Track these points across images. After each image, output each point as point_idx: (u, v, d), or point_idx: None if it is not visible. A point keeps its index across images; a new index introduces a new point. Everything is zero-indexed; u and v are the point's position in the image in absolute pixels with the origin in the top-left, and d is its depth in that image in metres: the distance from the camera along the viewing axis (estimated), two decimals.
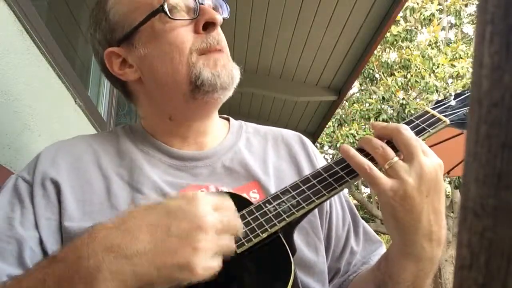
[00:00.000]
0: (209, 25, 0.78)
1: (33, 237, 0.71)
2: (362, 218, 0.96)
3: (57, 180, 0.76)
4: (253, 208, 0.66)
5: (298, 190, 0.67)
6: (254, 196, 0.79)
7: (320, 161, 0.92)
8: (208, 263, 0.52)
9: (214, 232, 0.54)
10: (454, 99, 0.78)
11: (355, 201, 10.72)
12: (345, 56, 3.64)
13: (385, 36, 6.73)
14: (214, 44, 0.78)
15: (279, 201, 0.66)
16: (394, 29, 9.32)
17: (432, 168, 0.62)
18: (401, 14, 9.35)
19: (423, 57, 9.08)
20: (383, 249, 0.90)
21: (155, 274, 0.51)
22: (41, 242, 0.71)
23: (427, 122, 0.72)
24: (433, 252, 0.64)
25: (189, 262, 0.51)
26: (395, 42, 9.58)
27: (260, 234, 0.62)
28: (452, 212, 9.02)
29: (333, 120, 9.63)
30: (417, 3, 9.76)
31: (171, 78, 0.79)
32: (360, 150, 0.67)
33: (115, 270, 0.51)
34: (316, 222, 0.82)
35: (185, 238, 0.53)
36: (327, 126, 6.23)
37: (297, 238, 0.77)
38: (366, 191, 12.86)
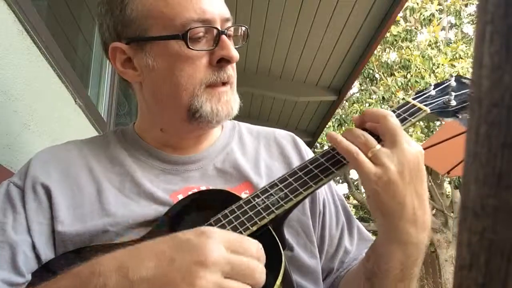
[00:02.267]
0: (223, 60, 0.77)
1: (25, 242, 0.71)
2: (362, 218, 0.96)
3: (48, 185, 0.76)
4: (242, 202, 0.67)
5: (286, 183, 0.69)
6: None
7: None
8: None
9: (219, 272, 0.52)
10: (433, 89, 0.81)
11: (355, 201, 10.72)
12: (345, 56, 3.64)
13: (385, 36, 6.73)
14: (224, 79, 0.78)
15: (267, 194, 0.68)
16: (394, 29, 9.32)
17: (414, 155, 0.63)
18: (401, 14, 9.35)
19: (423, 57, 9.07)
20: None
21: None
22: (34, 246, 0.71)
23: (408, 112, 0.74)
24: (419, 237, 0.65)
25: None
26: (395, 42, 9.57)
27: (250, 227, 0.64)
28: (452, 212, 9.01)
29: (333, 120, 9.63)
30: (417, 3, 9.76)
31: (172, 100, 0.78)
32: None
33: None
34: (307, 223, 0.82)
35: (185, 272, 0.52)
36: (327, 126, 6.23)
37: (290, 239, 0.78)
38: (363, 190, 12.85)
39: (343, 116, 10.09)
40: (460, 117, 0.75)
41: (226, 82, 0.79)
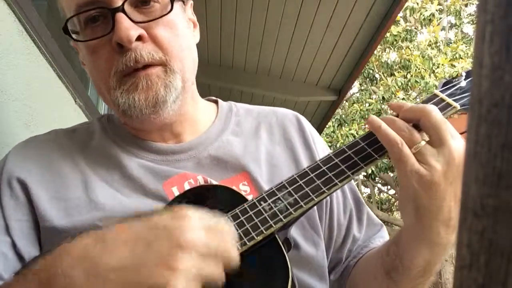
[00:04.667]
0: (118, 45, 0.67)
1: (4, 242, 0.66)
2: None
3: (24, 179, 0.70)
4: (247, 206, 0.61)
5: (295, 186, 0.61)
6: (244, 189, 0.74)
7: (319, 145, 0.85)
8: (187, 286, 0.46)
9: (197, 253, 0.48)
10: (465, 79, 0.69)
11: None
12: (345, 56, 3.64)
13: (385, 36, 6.73)
14: (130, 63, 0.67)
15: (274, 198, 0.61)
16: (394, 29, 9.32)
17: (459, 152, 0.58)
18: (401, 14, 9.35)
19: (423, 57, 9.08)
20: (384, 232, 0.86)
21: None
22: (14, 246, 0.66)
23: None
24: (449, 238, 0.61)
25: (166, 284, 0.46)
26: (395, 42, 9.58)
27: (255, 237, 0.58)
28: None
29: (333, 120, 9.63)
30: (417, 3, 9.76)
31: (103, 97, 0.74)
32: None
33: None
34: (313, 215, 0.77)
35: (163, 256, 0.47)
36: (327, 126, 6.23)
37: (294, 232, 0.73)
38: (366, 191, 12.85)
39: (343, 116, 10.09)
40: None
41: (138, 68, 0.68)
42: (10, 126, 1.16)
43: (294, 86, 4.12)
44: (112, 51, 0.68)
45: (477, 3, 0.22)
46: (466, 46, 9.48)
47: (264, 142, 0.81)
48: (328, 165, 0.62)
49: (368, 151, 0.62)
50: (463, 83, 0.69)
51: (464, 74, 0.71)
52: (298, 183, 0.62)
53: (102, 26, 0.69)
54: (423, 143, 0.58)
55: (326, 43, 3.44)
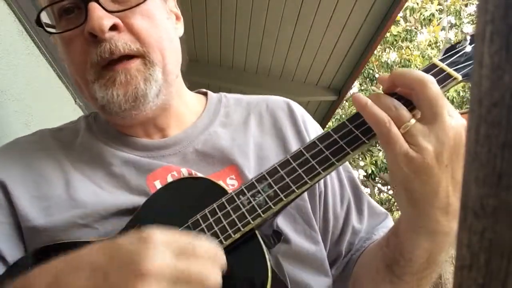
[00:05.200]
0: (91, 35, 0.64)
1: None
2: None
3: (3, 181, 0.68)
4: (225, 201, 0.56)
5: (276, 177, 0.56)
6: (231, 183, 0.70)
7: (312, 131, 0.80)
8: None
9: (164, 282, 0.43)
10: (470, 43, 0.61)
11: None
12: (345, 56, 3.64)
13: (385, 36, 6.72)
14: (105, 56, 0.64)
15: (254, 191, 0.56)
16: (394, 29, 9.32)
17: (457, 131, 0.51)
18: (401, 14, 9.34)
19: (423, 57, 9.08)
20: (389, 221, 0.80)
21: None
22: None
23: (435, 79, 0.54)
24: (450, 226, 0.54)
25: None
26: (395, 42, 9.58)
27: (232, 235, 0.54)
28: None
29: (333, 120, 9.63)
30: (417, 3, 9.76)
31: (82, 92, 0.71)
32: None
33: None
34: (305, 206, 0.72)
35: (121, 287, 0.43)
36: (327, 126, 6.22)
37: (284, 225, 0.69)
38: (366, 191, 12.84)
39: (343, 116, 10.09)
40: None
41: (115, 59, 0.65)
42: (10, 126, 1.16)
43: (294, 86, 4.12)
44: (85, 43, 0.65)
45: (477, 3, 0.22)
46: None
47: (253, 133, 0.78)
48: (312, 152, 0.56)
49: (355, 133, 0.56)
50: (468, 48, 0.61)
51: (469, 38, 0.62)
52: (279, 174, 0.56)
53: (76, 17, 0.66)
54: (412, 121, 0.52)
55: (326, 43, 3.44)
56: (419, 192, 0.52)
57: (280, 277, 0.56)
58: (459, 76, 0.57)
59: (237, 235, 0.54)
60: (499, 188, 0.20)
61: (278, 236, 0.60)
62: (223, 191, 0.59)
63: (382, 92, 0.56)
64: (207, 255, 0.47)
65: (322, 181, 0.75)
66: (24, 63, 1.25)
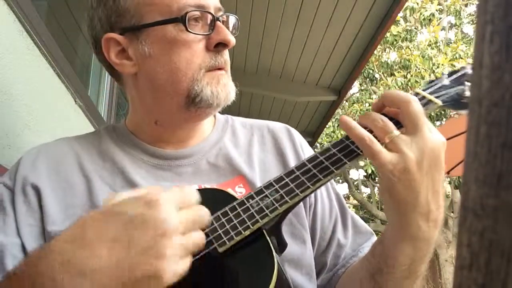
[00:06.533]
0: (220, 45, 0.78)
1: (15, 244, 0.69)
2: (362, 218, 0.94)
3: (38, 185, 0.75)
4: (236, 204, 0.63)
5: (282, 183, 0.64)
6: (240, 191, 0.78)
7: (307, 154, 0.89)
8: (176, 268, 0.50)
9: (180, 234, 0.51)
10: (447, 77, 0.73)
11: (355, 201, 10.73)
12: (345, 56, 3.64)
13: (385, 36, 6.73)
14: (222, 63, 0.79)
15: (262, 195, 0.64)
16: (394, 29, 9.32)
17: (435, 144, 0.60)
18: (401, 14, 9.35)
19: (423, 57, 9.08)
20: (374, 240, 0.87)
21: None
22: (24, 248, 0.70)
23: None
24: (430, 233, 0.62)
25: (155, 272, 0.48)
26: (395, 42, 9.58)
27: (242, 232, 0.60)
28: (452, 212, 9.01)
29: (333, 120, 9.63)
30: (417, 3, 9.76)
31: (170, 86, 0.77)
32: None
33: (73, 285, 0.48)
34: (301, 212, 0.80)
35: (149, 249, 0.49)
36: (327, 126, 6.23)
37: (285, 233, 0.74)
38: (366, 191, 12.86)
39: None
40: None
41: (223, 67, 0.79)
42: (10, 126, 1.16)
43: (294, 86, 4.13)
44: (204, 49, 0.77)
45: (477, 3, 0.22)
46: (466, 46, 9.48)
47: (256, 150, 0.87)
48: (313, 163, 0.65)
49: (351, 147, 0.65)
50: (446, 81, 0.72)
51: (446, 73, 0.75)
52: (285, 181, 0.64)
53: (201, 26, 0.77)
54: (396, 132, 0.60)
55: (326, 43, 3.45)
56: (402, 196, 0.59)
57: (285, 277, 0.62)
58: (439, 102, 0.68)
59: (247, 232, 0.60)
60: (499, 188, 0.20)
61: (282, 245, 0.66)
62: (233, 198, 0.66)
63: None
64: (194, 199, 0.57)
65: (313, 194, 0.84)
66: (24, 63, 1.25)
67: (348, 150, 0.64)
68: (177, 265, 0.50)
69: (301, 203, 0.80)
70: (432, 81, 0.74)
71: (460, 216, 0.22)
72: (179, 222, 0.52)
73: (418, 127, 0.60)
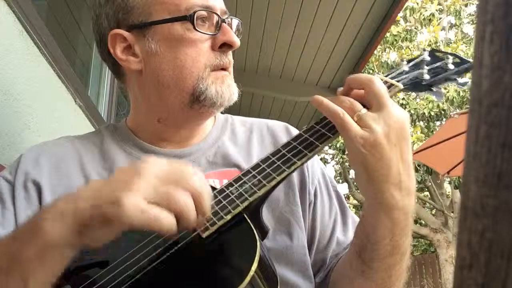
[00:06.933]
0: (225, 46, 0.80)
1: None
2: None
3: (39, 181, 0.76)
4: (216, 192, 0.66)
5: (259, 169, 0.67)
6: None
7: None
8: (138, 202, 0.51)
9: (156, 179, 0.53)
10: (407, 64, 0.79)
11: (355, 201, 10.72)
12: (345, 56, 3.64)
13: (385, 36, 6.73)
14: (226, 63, 0.81)
15: (240, 182, 0.66)
16: (394, 29, 9.31)
17: (400, 118, 0.64)
18: (401, 14, 9.34)
19: None
20: None
21: (89, 211, 0.52)
22: None
23: None
24: (404, 201, 0.64)
25: (118, 198, 0.51)
26: (395, 42, 9.57)
27: (224, 216, 0.62)
28: (452, 212, 9.01)
29: None
30: (417, 3, 9.76)
31: (175, 84, 0.78)
32: None
33: (60, 211, 0.53)
34: (297, 211, 0.81)
35: (123, 181, 0.53)
36: None
37: (270, 225, 0.76)
38: None
39: None
40: (434, 90, 0.74)
41: (227, 67, 0.82)
42: (10, 126, 1.16)
43: (294, 86, 4.12)
44: (209, 48, 0.79)
45: (477, 3, 0.22)
46: (466, 46, 9.47)
47: (255, 148, 0.89)
48: (288, 148, 0.69)
49: (322, 131, 0.69)
50: (405, 67, 0.78)
51: (405, 60, 0.81)
52: (261, 167, 0.68)
53: (207, 27, 0.80)
54: (364, 110, 0.64)
55: (326, 43, 3.45)
56: (374, 168, 0.62)
57: (270, 263, 0.64)
58: (400, 85, 0.73)
59: (228, 216, 0.62)
60: (499, 188, 0.20)
61: (263, 232, 0.68)
62: (213, 188, 0.67)
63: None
64: (187, 169, 0.57)
65: (312, 192, 0.85)
66: (24, 63, 1.25)
67: (319, 134, 0.69)
68: (141, 201, 0.51)
69: (300, 202, 0.82)
70: (393, 67, 0.80)
71: (460, 216, 0.22)
72: (158, 170, 0.54)
73: (382, 103, 0.64)
